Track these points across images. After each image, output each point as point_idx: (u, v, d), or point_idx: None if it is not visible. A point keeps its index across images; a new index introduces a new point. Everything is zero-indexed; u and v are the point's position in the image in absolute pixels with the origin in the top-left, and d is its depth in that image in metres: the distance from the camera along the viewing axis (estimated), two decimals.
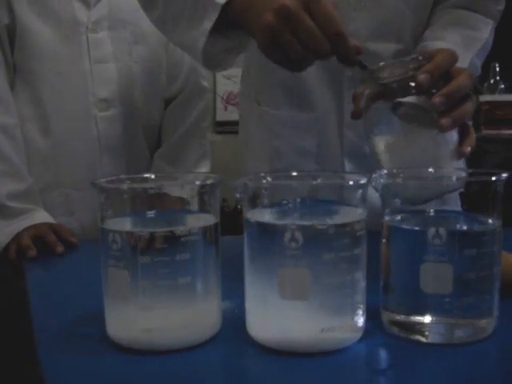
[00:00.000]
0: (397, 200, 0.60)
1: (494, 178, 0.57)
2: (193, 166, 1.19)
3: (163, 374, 0.53)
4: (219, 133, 3.20)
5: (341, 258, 0.53)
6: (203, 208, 0.58)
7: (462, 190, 0.59)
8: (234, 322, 0.61)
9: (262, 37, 0.70)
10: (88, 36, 1.12)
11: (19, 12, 1.09)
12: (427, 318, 0.57)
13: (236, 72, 3.38)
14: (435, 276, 0.55)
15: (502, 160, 2.33)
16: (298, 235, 0.52)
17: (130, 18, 1.15)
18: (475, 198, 0.58)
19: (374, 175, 0.58)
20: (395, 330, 0.59)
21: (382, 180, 0.59)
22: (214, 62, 0.82)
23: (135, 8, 1.15)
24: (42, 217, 1.06)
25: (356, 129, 1.00)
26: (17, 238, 1.01)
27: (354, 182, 0.55)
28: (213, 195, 0.58)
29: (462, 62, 0.88)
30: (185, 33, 0.81)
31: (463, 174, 0.65)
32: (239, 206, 2.59)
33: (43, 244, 0.99)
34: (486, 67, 2.64)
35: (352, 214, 0.55)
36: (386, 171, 0.61)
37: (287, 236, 0.52)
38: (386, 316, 0.60)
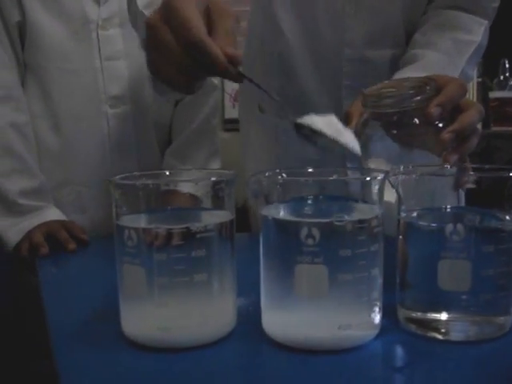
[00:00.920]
0: (413, 196, 0.59)
1: (511, 174, 0.57)
2: (204, 163, 1.19)
3: (178, 371, 0.53)
4: (228, 130, 3.19)
5: (358, 254, 0.53)
6: (218, 204, 0.58)
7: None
8: (250, 320, 0.61)
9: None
10: (98, 33, 1.11)
11: (29, 9, 1.09)
12: (444, 315, 0.57)
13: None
14: (453, 273, 0.55)
15: (511, 156, 2.32)
16: (315, 232, 0.52)
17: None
18: (491, 194, 0.58)
19: (390, 172, 0.58)
20: (412, 328, 0.59)
21: (398, 176, 0.58)
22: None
23: (146, 5, 1.15)
24: (53, 214, 1.06)
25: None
26: (29, 235, 1.01)
27: (371, 178, 0.55)
28: (227, 191, 0.58)
29: (455, 70, 0.87)
30: None
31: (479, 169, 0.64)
32: (246, 203, 2.59)
33: (55, 241, 0.99)
34: (496, 64, 2.62)
35: (369, 211, 0.54)
36: (402, 167, 0.60)
37: (304, 233, 0.52)
38: (402, 313, 0.60)
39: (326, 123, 0.64)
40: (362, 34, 0.97)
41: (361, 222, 0.53)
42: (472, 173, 0.61)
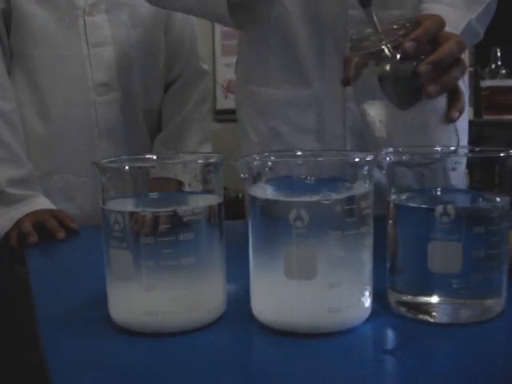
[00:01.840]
0: (403, 178, 0.59)
1: (502, 155, 0.56)
2: (194, 150, 1.18)
3: (167, 356, 0.52)
4: (220, 121, 3.19)
5: (348, 236, 0.52)
6: (206, 188, 0.57)
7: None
8: (239, 304, 0.60)
9: None
10: (85, 19, 1.10)
11: None
12: (435, 298, 0.56)
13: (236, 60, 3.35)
14: (443, 255, 0.55)
15: (503, 145, 2.32)
16: (304, 213, 0.51)
17: (128, 1, 1.14)
18: (483, 175, 0.57)
19: (380, 153, 0.57)
20: (402, 311, 0.58)
21: (387, 158, 0.58)
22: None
23: None
24: (42, 203, 1.05)
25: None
26: (17, 224, 1.00)
27: (360, 160, 0.54)
28: (216, 175, 0.57)
29: (458, 25, 0.86)
30: None
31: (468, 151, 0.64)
32: (240, 195, 2.58)
33: (44, 230, 0.98)
34: (487, 52, 2.62)
35: (358, 190, 0.54)
36: (391, 149, 0.59)
37: (293, 214, 0.51)
38: (392, 297, 0.59)
39: None
40: None
41: (350, 202, 0.52)
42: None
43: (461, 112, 0.73)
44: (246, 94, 1.09)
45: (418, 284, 0.57)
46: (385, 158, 0.58)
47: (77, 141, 1.11)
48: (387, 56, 0.71)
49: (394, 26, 0.73)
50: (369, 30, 0.73)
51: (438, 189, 0.59)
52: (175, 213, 0.53)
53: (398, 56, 0.71)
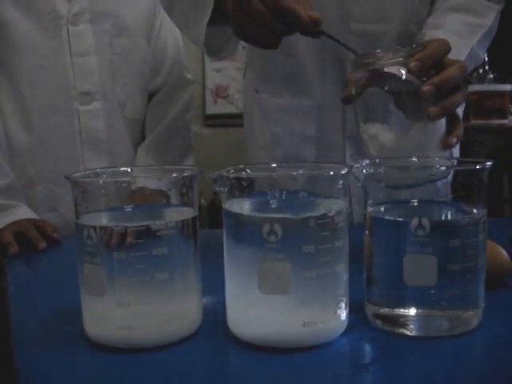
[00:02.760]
0: (379, 190, 0.59)
1: (478, 167, 0.56)
2: (177, 159, 1.18)
3: (141, 371, 0.52)
4: (209, 126, 3.19)
5: (322, 250, 0.52)
6: (181, 201, 0.57)
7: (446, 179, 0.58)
8: (216, 318, 0.60)
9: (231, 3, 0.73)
10: (69, 29, 1.10)
11: None
12: (412, 311, 0.56)
13: (225, 65, 3.37)
14: (419, 268, 0.54)
15: (490, 150, 2.33)
16: (277, 228, 0.51)
17: (112, 10, 1.14)
18: (459, 187, 0.57)
19: (355, 165, 0.57)
20: (379, 324, 0.58)
21: (363, 170, 0.58)
22: (217, 51, 0.91)
23: (116, 0, 1.14)
24: (24, 213, 1.05)
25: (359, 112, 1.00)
26: None
27: (335, 173, 0.54)
28: (191, 188, 0.57)
29: (462, 51, 0.89)
30: (192, 30, 0.89)
31: (448, 163, 0.64)
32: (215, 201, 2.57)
33: (25, 240, 0.97)
34: None
35: (332, 206, 0.53)
36: (368, 161, 0.59)
37: (266, 228, 0.51)
38: (369, 309, 0.59)
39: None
40: (368, 9, 0.97)
41: (324, 217, 0.52)
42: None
43: (458, 139, 0.75)
44: (253, 98, 1.11)
45: (395, 296, 0.57)
46: (361, 171, 0.58)
47: (60, 150, 1.11)
48: (392, 74, 0.73)
49: (400, 47, 0.75)
50: (378, 51, 0.75)
51: (415, 201, 0.58)
52: (148, 227, 0.53)
53: (403, 75, 0.72)
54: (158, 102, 1.20)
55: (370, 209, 0.59)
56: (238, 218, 0.54)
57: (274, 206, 0.53)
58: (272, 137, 1.06)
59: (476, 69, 2.68)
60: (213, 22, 0.83)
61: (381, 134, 0.74)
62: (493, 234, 0.61)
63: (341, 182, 0.54)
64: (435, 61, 0.73)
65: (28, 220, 1.02)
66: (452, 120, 0.75)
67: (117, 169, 0.61)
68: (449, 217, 0.59)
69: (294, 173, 0.55)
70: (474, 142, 2.30)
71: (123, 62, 1.15)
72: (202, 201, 2.76)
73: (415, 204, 0.58)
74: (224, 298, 0.58)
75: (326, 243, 0.52)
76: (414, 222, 0.54)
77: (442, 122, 0.74)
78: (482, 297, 0.57)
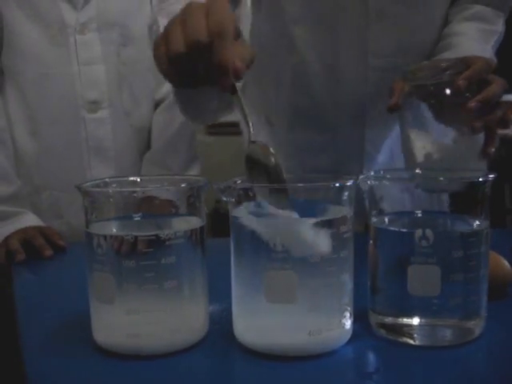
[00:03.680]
0: (383, 202, 0.60)
1: (481, 179, 0.57)
2: (182, 168, 1.18)
3: (149, 379, 0.52)
4: (211, 134, 3.20)
5: (327, 260, 0.53)
6: (190, 211, 0.58)
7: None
8: (222, 326, 0.61)
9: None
10: (76, 38, 1.11)
11: (6, 13, 1.08)
12: (415, 320, 0.57)
13: None
14: (423, 278, 0.55)
15: (492, 160, 2.33)
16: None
17: (119, 20, 1.15)
18: (462, 199, 0.58)
19: (360, 177, 0.58)
20: (383, 333, 0.59)
21: (368, 182, 0.58)
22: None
23: (123, 10, 1.15)
24: (30, 220, 1.06)
25: (376, 145, 1.04)
26: (5, 241, 1.00)
27: (340, 184, 0.55)
28: (199, 198, 0.58)
29: (484, 55, 0.92)
30: None
31: (450, 175, 0.65)
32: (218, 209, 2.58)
33: (32, 247, 0.98)
34: None
35: (338, 215, 0.54)
36: (372, 172, 0.60)
37: (273, 237, 0.52)
38: (373, 318, 0.60)
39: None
40: (387, 41, 0.99)
41: (329, 225, 0.53)
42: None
43: (495, 149, 0.81)
44: (263, 127, 1.10)
45: (398, 306, 0.58)
46: (365, 182, 0.59)
47: (66, 158, 1.12)
48: (438, 89, 0.79)
49: (443, 64, 0.81)
50: (425, 62, 0.83)
51: (419, 212, 0.59)
52: (157, 237, 0.54)
53: (449, 92, 0.78)
54: (163, 111, 1.21)
55: (374, 219, 0.60)
56: (245, 225, 0.54)
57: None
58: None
59: None
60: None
61: (427, 144, 0.79)
62: (495, 244, 0.62)
63: (346, 193, 0.55)
64: (480, 78, 0.78)
65: (34, 227, 1.03)
66: (489, 131, 0.80)
67: (126, 178, 0.62)
68: (452, 228, 0.59)
69: (300, 184, 0.56)
70: None
71: (130, 71, 1.16)
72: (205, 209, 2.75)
73: (419, 215, 0.59)
74: (230, 306, 0.59)
75: (332, 253, 0.53)
76: (418, 232, 0.55)
77: (481, 133, 0.79)
78: (484, 307, 0.58)
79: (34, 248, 0.98)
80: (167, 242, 0.54)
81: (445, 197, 0.59)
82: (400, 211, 0.60)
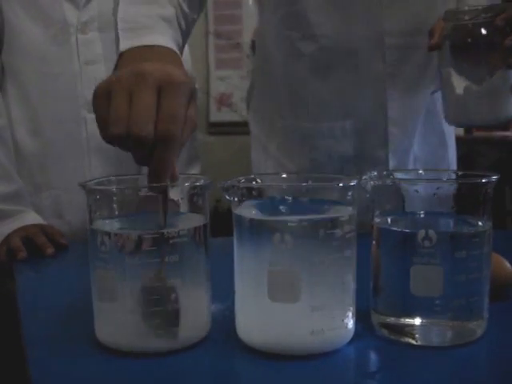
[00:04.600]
0: (386, 201, 0.60)
1: (484, 180, 0.57)
2: (183, 167, 1.18)
3: (152, 377, 0.53)
4: (212, 134, 3.20)
5: (331, 260, 0.53)
6: (193, 210, 0.58)
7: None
8: (225, 324, 0.61)
9: (101, 84, 0.60)
10: (77, 37, 1.11)
11: (8, 13, 1.08)
12: (417, 321, 0.57)
13: (229, 73, 3.38)
14: (425, 278, 0.55)
15: (493, 161, 2.34)
16: (288, 236, 0.52)
17: None
18: (465, 199, 0.58)
19: (364, 177, 0.58)
20: (385, 333, 0.59)
21: (371, 182, 0.59)
22: None
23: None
24: (31, 218, 1.06)
25: (401, 125, 1.04)
26: (7, 239, 1.00)
27: (344, 184, 0.55)
28: (202, 197, 0.58)
29: None
30: None
31: (453, 176, 0.65)
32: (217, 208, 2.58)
33: (33, 246, 0.98)
34: None
35: (341, 214, 0.54)
36: (375, 173, 0.60)
37: (277, 236, 0.52)
38: (375, 318, 0.60)
39: None
40: (397, 22, 1.00)
41: (333, 226, 0.53)
42: None
43: None
44: (277, 127, 1.11)
45: (401, 306, 0.58)
46: (369, 182, 0.59)
47: (67, 157, 1.12)
48: (480, 28, 0.87)
49: (480, 7, 0.89)
50: (464, 7, 0.92)
51: (421, 212, 0.60)
52: (161, 234, 0.54)
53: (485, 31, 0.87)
54: None
55: (377, 220, 0.60)
56: (248, 223, 0.55)
57: (284, 214, 0.54)
58: (312, 161, 1.07)
59: None
60: None
61: (466, 78, 0.89)
62: (496, 246, 0.62)
63: (350, 192, 0.55)
64: None
65: (36, 225, 1.03)
66: None
67: (130, 176, 0.62)
68: (455, 229, 0.60)
69: (304, 184, 0.56)
70: (476, 153, 2.31)
71: None
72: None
73: (422, 216, 0.59)
74: (231, 305, 0.59)
75: (335, 253, 0.53)
76: (421, 233, 0.55)
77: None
78: (486, 308, 0.58)
79: (36, 246, 0.98)
80: (171, 240, 0.54)
81: (447, 198, 0.59)
82: (403, 211, 0.60)
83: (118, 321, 0.55)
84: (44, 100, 1.10)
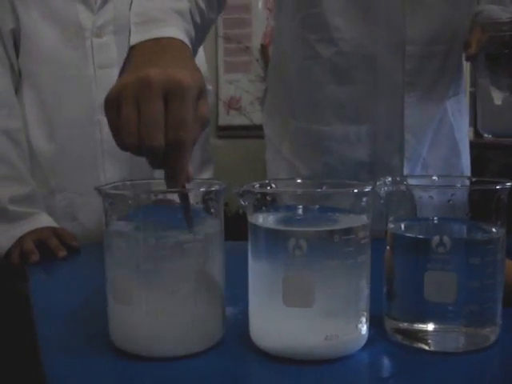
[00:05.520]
0: (400, 208, 0.60)
1: (498, 187, 0.57)
2: (196, 171, 1.19)
3: (166, 381, 0.53)
4: (221, 137, 3.21)
5: (345, 265, 0.53)
6: (208, 214, 0.58)
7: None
8: (238, 329, 0.61)
9: (109, 93, 0.62)
10: (92, 41, 1.12)
11: (24, 17, 1.09)
12: (430, 326, 0.57)
13: (238, 77, 3.37)
14: (439, 284, 0.55)
15: (502, 167, 2.33)
16: (303, 242, 0.52)
17: None
18: (479, 206, 0.58)
19: (378, 183, 0.59)
20: (398, 338, 0.59)
21: (385, 188, 0.59)
22: None
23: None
24: (44, 221, 1.06)
25: (417, 133, 1.04)
26: (20, 242, 1.01)
27: (358, 191, 0.55)
28: (217, 201, 0.58)
29: None
30: None
31: (467, 183, 0.65)
32: (241, 211, 2.59)
33: (46, 248, 0.99)
34: None
35: (356, 222, 0.55)
36: (390, 179, 0.60)
37: (292, 242, 0.52)
38: (389, 323, 0.60)
39: None
40: (419, 31, 1.00)
41: (348, 232, 0.53)
42: None
43: None
44: (290, 129, 1.11)
45: (414, 312, 0.58)
46: (382, 188, 0.59)
47: (81, 160, 1.12)
48: None
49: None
50: (501, 19, 0.93)
51: (435, 218, 0.60)
52: (177, 239, 0.54)
53: None
54: None
55: (391, 225, 0.60)
56: (263, 231, 0.55)
57: (299, 220, 0.55)
58: (325, 165, 1.06)
59: None
60: None
61: (504, 88, 0.92)
62: (510, 252, 0.62)
63: (364, 198, 0.55)
64: None
65: (49, 228, 1.04)
66: None
67: (146, 181, 0.63)
68: (469, 235, 0.60)
69: (319, 190, 0.57)
70: (485, 158, 2.30)
71: None
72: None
73: (435, 222, 0.59)
74: (245, 309, 0.59)
75: (349, 258, 0.53)
76: (436, 239, 0.55)
77: None
78: (499, 314, 0.58)
79: (48, 249, 0.98)
80: (186, 245, 0.54)
81: (461, 204, 0.59)
82: (417, 218, 0.60)
83: (133, 324, 0.56)
84: (59, 103, 1.11)
